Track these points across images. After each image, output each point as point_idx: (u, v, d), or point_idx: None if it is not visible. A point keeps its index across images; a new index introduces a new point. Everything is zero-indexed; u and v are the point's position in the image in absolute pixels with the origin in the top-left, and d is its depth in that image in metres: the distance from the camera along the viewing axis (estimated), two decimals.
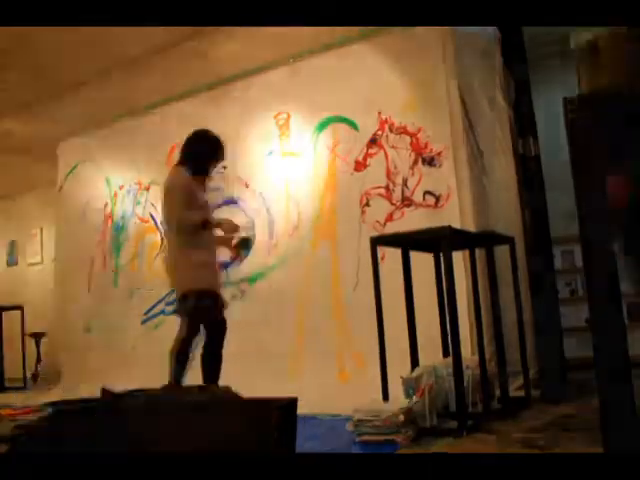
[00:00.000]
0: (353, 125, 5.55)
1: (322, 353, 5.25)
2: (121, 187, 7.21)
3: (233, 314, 6.10)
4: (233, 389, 2.75)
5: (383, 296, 3.89)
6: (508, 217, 4.78)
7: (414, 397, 3.40)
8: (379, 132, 5.38)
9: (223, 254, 4.77)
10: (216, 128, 6.41)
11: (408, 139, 5.21)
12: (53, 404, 3.82)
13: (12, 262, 10.66)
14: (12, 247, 10.67)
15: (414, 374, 3.61)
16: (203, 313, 4.14)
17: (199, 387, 2.68)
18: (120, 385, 4.84)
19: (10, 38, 5.15)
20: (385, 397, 3.74)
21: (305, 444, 2.78)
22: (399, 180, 5.23)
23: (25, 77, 6.12)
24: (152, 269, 6.79)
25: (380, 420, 3.18)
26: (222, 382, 2.86)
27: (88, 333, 7.06)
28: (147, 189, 6.96)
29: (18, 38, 5.21)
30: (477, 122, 4.99)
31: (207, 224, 4.16)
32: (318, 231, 5.63)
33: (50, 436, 2.32)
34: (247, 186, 6.21)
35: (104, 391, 4.34)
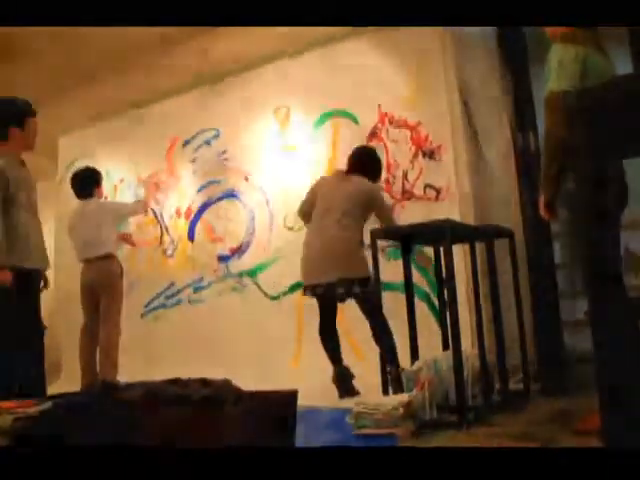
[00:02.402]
0: (353, 119, 5.54)
1: (322, 346, 5.25)
2: (121, 181, 7.21)
3: (234, 307, 6.14)
4: (233, 382, 2.75)
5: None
6: (508, 210, 4.78)
7: (414, 390, 3.41)
8: (379, 125, 5.38)
9: None
10: (216, 122, 6.45)
11: (408, 132, 5.21)
12: (53, 397, 3.82)
13: None
14: None
15: (414, 367, 3.61)
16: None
17: (200, 380, 2.67)
18: (120, 378, 4.85)
19: (10, 36, 5.14)
20: (385, 390, 3.74)
21: (305, 437, 2.79)
22: (399, 173, 5.23)
23: (25, 73, 6.11)
24: (152, 262, 6.80)
25: (380, 413, 3.19)
26: (221, 375, 2.87)
27: None
28: (146, 182, 6.96)
29: (18, 36, 5.20)
30: (477, 115, 4.98)
31: None
32: None
33: (50, 429, 2.32)
34: (247, 179, 6.21)
35: (104, 384, 4.35)
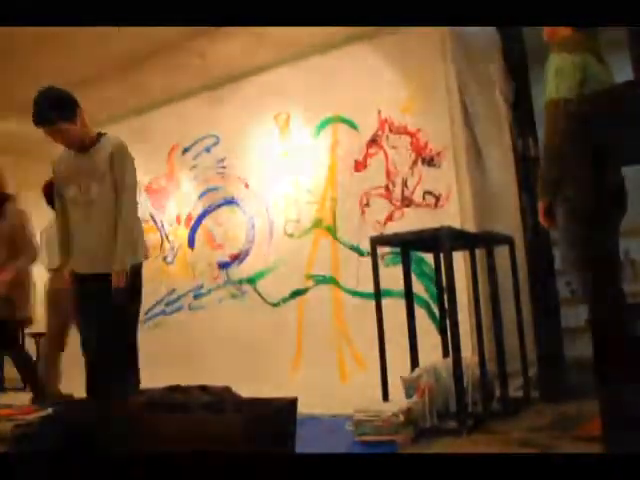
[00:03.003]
0: (353, 125, 5.55)
1: (322, 353, 5.24)
2: None
3: (233, 314, 6.14)
4: (233, 389, 2.75)
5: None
6: (508, 217, 4.79)
7: (414, 397, 3.40)
8: (379, 132, 5.38)
9: None
10: (216, 128, 6.46)
11: (408, 139, 5.21)
12: (53, 404, 3.82)
13: None
14: None
15: (414, 374, 3.61)
16: None
17: (200, 388, 2.67)
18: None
19: (9, 37, 5.15)
20: (385, 397, 3.74)
21: (305, 444, 2.78)
22: (399, 180, 5.23)
23: (24, 77, 6.12)
24: (152, 269, 6.80)
25: (380, 420, 3.18)
26: (221, 382, 2.86)
27: None
28: (146, 190, 6.96)
29: (17, 37, 5.21)
30: (477, 122, 4.98)
31: None
32: (318, 231, 5.63)
33: (50, 436, 2.31)
34: (247, 186, 6.21)
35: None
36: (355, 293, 5.25)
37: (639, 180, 4.44)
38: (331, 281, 5.47)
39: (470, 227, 4.61)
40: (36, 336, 8.59)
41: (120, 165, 3.66)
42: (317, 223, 5.65)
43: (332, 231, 5.54)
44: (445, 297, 3.72)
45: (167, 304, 6.66)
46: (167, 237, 6.80)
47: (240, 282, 6.13)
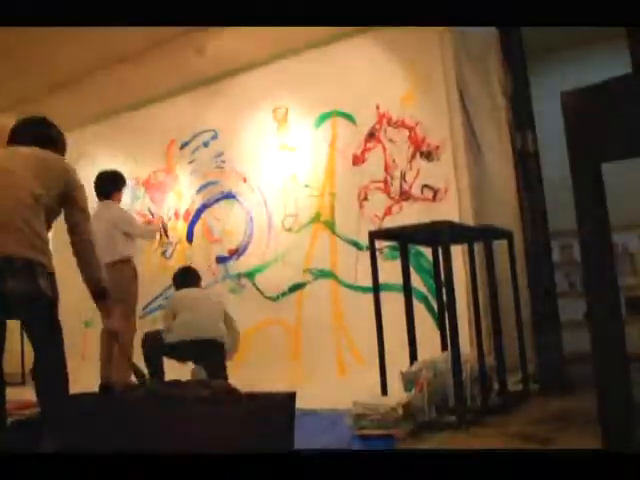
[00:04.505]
0: (351, 119, 5.54)
1: (321, 348, 5.25)
2: None
3: (232, 308, 6.13)
4: (232, 384, 2.75)
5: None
6: (506, 211, 4.78)
7: (413, 391, 3.40)
8: (377, 126, 5.37)
9: None
10: (214, 122, 6.45)
11: (406, 133, 5.21)
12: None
13: None
14: None
15: (413, 368, 3.61)
16: None
17: (199, 382, 2.68)
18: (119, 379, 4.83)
19: (7, 34, 5.13)
20: (384, 391, 3.74)
21: (304, 439, 2.78)
22: (397, 174, 5.22)
23: (22, 73, 6.10)
24: (151, 264, 6.79)
25: (379, 414, 3.19)
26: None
27: (87, 327, 7.06)
28: (145, 184, 6.96)
29: (15, 34, 5.19)
30: (475, 116, 4.98)
31: None
32: (316, 225, 5.63)
33: (47, 432, 2.31)
34: (245, 180, 6.20)
35: (103, 387, 4.35)
36: (354, 287, 5.25)
37: (636, 176, 4.44)
38: (330, 275, 5.47)
39: (468, 221, 4.61)
40: None
41: None
42: (315, 217, 5.65)
43: (330, 225, 5.54)
44: (444, 291, 3.72)
45: (166, 299, 6.66)
46: (165, 232, 6.78)
47: (239, 276, 6.13)
